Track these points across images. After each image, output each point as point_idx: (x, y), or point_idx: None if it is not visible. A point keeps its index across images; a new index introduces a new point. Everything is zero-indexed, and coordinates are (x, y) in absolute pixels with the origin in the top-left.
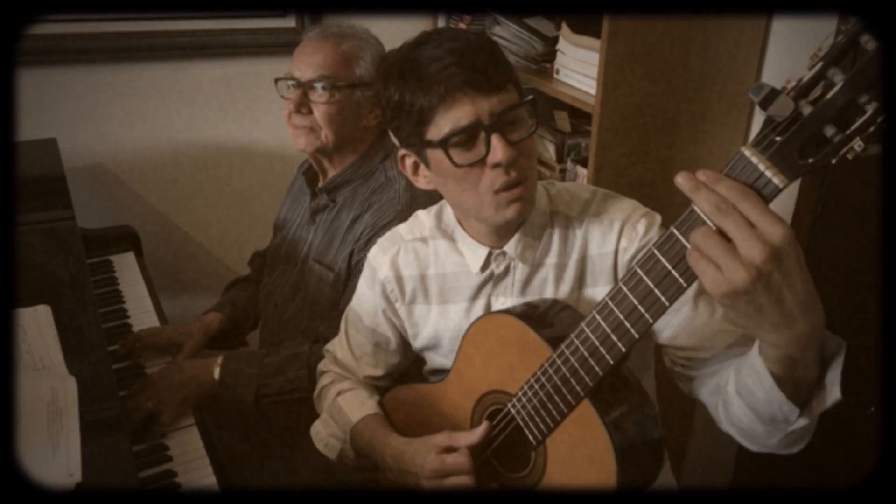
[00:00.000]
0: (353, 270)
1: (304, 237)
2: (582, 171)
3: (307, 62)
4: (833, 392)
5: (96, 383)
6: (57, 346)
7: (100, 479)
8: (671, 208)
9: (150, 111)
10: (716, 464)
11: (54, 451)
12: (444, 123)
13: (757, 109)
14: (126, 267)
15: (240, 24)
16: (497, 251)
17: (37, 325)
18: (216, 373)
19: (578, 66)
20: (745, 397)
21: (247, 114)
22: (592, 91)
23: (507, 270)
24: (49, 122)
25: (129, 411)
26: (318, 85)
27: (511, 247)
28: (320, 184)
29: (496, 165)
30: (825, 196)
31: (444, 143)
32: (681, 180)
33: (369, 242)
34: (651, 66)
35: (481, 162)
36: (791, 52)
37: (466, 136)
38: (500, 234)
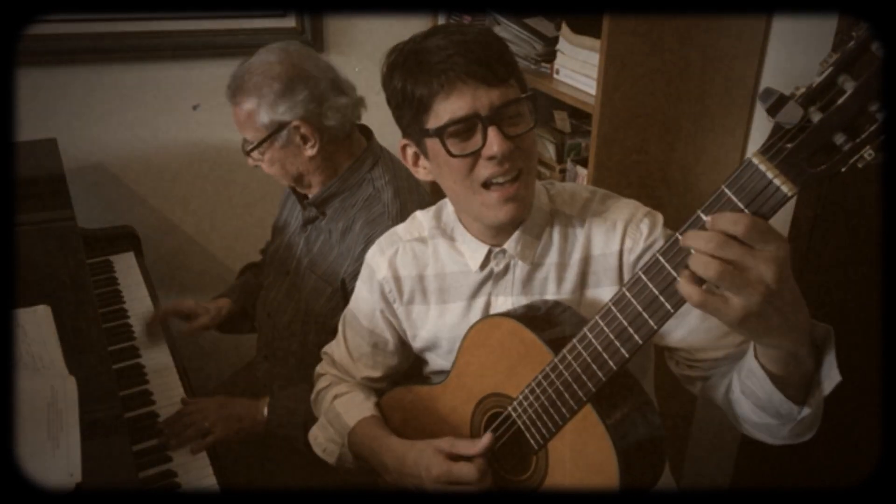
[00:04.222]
0: (349, 296)
1: (297, 244)
2: (582, 171)
3: (236, 126)
4: (831, 376)
5: (96, 383)
6: (57, 346)
7: (100, 479)
8: (670, 208)
9: (150, 111)
10: (716, 464)
11: (54, 451)
12: (443, 113)
13: (757, 110)
14: (126, 267)
15: (240, 24)
16: (497, 249)
17: (37, 325)
18: (265, 411)
19: (578, 66)
20: (749, 397)
21: None
22: (592, 91)
23: (506, 269)
24: (49, 122)
25: (185, 426)
26: (244, 149)
27: (511, 245)
28: (308, 198)
29: (491, 157)
30: (825, 196)
31: (440, 132)
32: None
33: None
34: (651, 66)
35: (476, 153)
36: (791, 52)
37: (464, 127)
38: (500, 231)
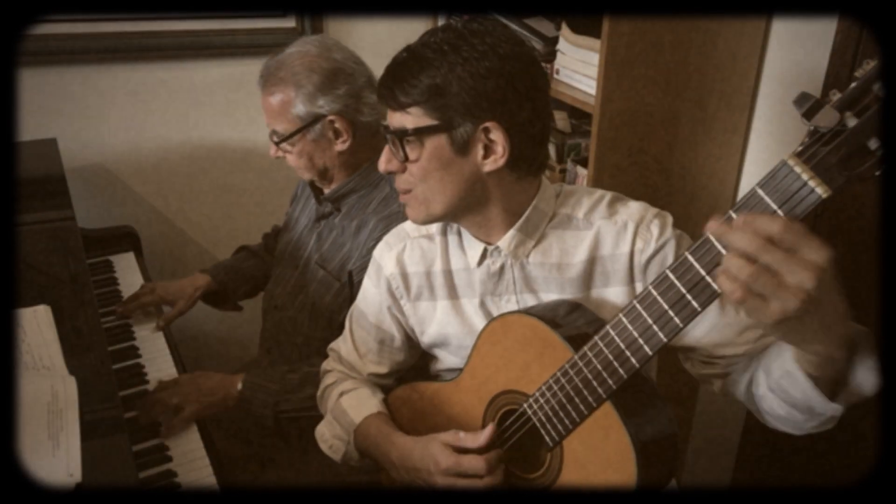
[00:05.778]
0: (355, 289)
1: (308, 240)
2: (582, 171)
3: (265, 116)
4: (868, 381)
5: (96, 383)
6: (57, 346)
7: (100, 479)
8: (671, 208)
9: (150, 111)
10: (716, 463)
11: (54, 451)
12: None
13: (757, 110)
14: (126, 267)
15: (240, 24)
16: (492, 247)
17: (37, 325)
18: (239, 386)
19: (578, 66)
20: (779, 395)
21: (247, 114)
22: (592, 91)
23: (503, 267)
24: (49, 122)
25: (152, 403)
26: (273, 139)
27: (504, 243)
28: (325, 193)
29: None
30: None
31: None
32: (713, 229)
33: None
34: (651, 67)
35: None
36: (791, 52)
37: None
38: (492, 229)
